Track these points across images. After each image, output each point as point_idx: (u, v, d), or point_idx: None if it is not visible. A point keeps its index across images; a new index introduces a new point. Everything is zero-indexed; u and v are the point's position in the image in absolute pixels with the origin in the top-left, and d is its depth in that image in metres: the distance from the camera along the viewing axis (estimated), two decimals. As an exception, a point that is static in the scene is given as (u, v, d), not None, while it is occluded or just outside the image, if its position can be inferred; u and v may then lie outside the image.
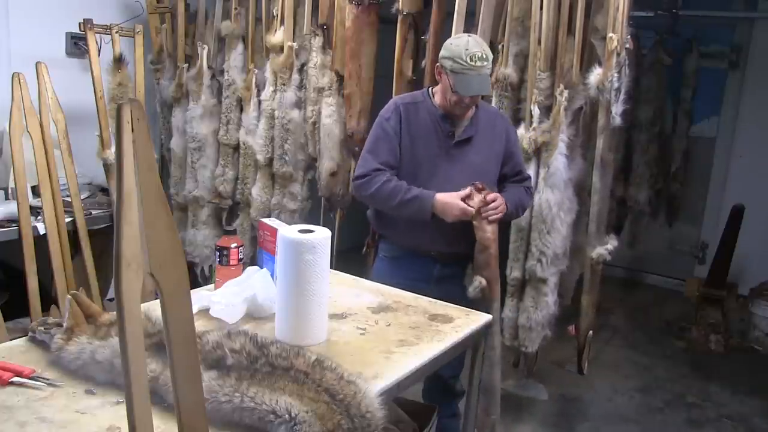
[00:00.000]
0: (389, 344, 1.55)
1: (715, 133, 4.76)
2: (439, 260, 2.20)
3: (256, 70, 3.40)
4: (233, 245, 1.80)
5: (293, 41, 3.22)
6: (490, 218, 2.06)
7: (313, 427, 1.06)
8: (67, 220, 2.81)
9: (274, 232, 1.74)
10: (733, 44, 4.60)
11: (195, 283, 2.78)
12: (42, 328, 1.38)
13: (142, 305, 0.82)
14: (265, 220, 1.85)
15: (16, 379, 1.24)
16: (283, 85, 3.24)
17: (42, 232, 2.71)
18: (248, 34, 3.42)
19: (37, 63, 2.69)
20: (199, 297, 1.66)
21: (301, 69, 3.26)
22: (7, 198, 2.96)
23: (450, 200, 2.03)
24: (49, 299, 2.77)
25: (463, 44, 2.03)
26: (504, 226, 2.32)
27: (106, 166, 3.11)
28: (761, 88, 4.42)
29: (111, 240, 0.78)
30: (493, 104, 2.64)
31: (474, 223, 2.06)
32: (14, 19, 3.20)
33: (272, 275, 1.72)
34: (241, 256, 1.82)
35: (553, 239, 2.53)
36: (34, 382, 1.24)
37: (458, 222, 2.07)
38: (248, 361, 1.20)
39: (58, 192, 2.73)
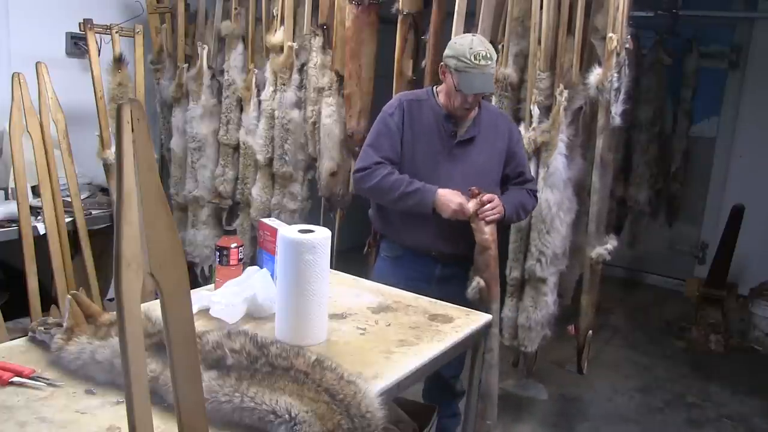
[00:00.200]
0: (389, 344, 1.55)
1: (715, 133, 4.76)
2: (440, 260, 2.20)
3: (256, 70, 3.40)
4: (233, 245, 1.80)
5: (293, 41, 3.22)
6: (487, 219, 2.06)
7: (313, 427, 1.06)
8: (67, 220, 2.81)
9: (274, 232, 1.74)
10: (733, 44, 4.60)
11: (195, 283, 2.78)
12: (42, 328, 1.38)
13: (142, 305, 0.82)
14: (265, 220, 1.85)
15: (16, 379, 1.24)
16: (283, 85, 3.24)
17: (42, 232, 2.71)
18: (248, 34, 3.42)
19: (37, 63, 2.69)
20: (199, 297, 1.66)
21: (301, 69, 3.25)
22: (7, 198, 2.96)
23: (450, 195, 2.03)
24: (49, 299, 2.77)
25: (467, 43, 2.04)
26: (503, 227, 2.32)
27: (106, 166, 3.11)
28: (761, 88, 4.42)
29: (111, 240, 0.78)
30: (493, 104, 2.64)
31: (472, 225, 2.07)
32: (14, 19, 3.20)
33: (272, 275, 1.72)
34: (241, 256, 1.82)
35: (552, 239, 2.53)
36: (34, 382, 1.24)
37: (459, 222, 2.06)
38: (248, 361, 1.20)
39: (58, 192, 2.73)
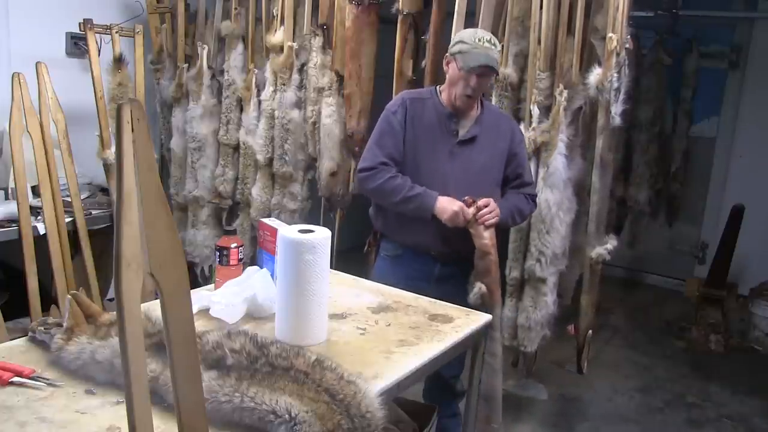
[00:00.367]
0: (389, 344, 1.55)
1: (715, 133, 4.76)
2: (439, 260, 2.20)
3: (256, 70, 3.40)
4: (233, 245, 1.80)
5: (293, 41, 3.22)
6: (486, 223, 2.05)
7: (313, 427, 1.06)
8: (67, 220, 2.81)
9: (274, 232, 1.74)
10: (733, 44, 4.61)
11: (195, 283, 2.78)
12: (42, 328, 1.38)
13: (142, 305, 0.82)
14: (265, 220, 1.85)
15: (16, 379, 1.24)
16: (283, 85, 3.24)
17: (42, 232, 2.71)
18: (248, 34, 3.42)
19: (37, 63, 2.69)
20: (199, 297, 1.66)
21: (301, 69, 3.25)
22: (7, 198, 2.96)
23: (449, 202, 2.04)
24: (49, 299, 2.77)
25: (472, 31, 2.14)
26: (502, 229, 2.31)
27: (106, 166, 3.11)
28: (761, 88, 4.43)
29: (111, 240, 0.78)
30: (493, 104, 2.64)
31: (471, 231, 2.06)
32: (14, 19, 3.20)
33: (272, 275, 1.72)
34: (241, 256, 1.82)
35: (552, 239, 2.53)
36: (34, 382, 1.24)
37: None
38: (248, 361, 1.20)
39: (58, 192, 2.73)
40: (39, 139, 2.66)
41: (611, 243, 2.57)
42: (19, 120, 2.56)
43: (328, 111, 3.15)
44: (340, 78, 3.13)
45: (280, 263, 1.51)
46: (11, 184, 2.84)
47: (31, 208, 2.69)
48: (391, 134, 2.15)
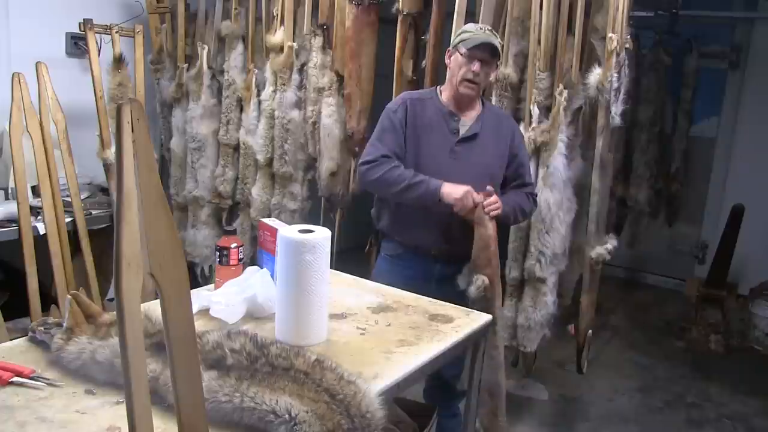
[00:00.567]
0: (389, 344, 1.55)
1: (715, 133, 4.76)
2: (439, 259, 2.20)
3: (256, 70, 3.40)
4: (233, 245, 1.79)
5: (293, 41, 3.22)
6: (491, 213, 2.05)
7: (313, 427, 1.06)
8: (67, 220, 2.81)
9: (274, 232, 1.74)
10: (733, 44, 4.61)
11: (195, 283, 2.77)
12: (42, 328, 1.38)
13: (142, 305, 0.82)
14: (265, 220, 1.85)
15: (16, 379, 1.24)
16: (283, 85, 3.24)
17: (42, 232, 2.71)
18: (248, 34, 3.42)
19: (37, 63, 2.69)
20: (199, 297, 1.66)
21: (301, 69, 3.25)
22: (7, 198, 2.96)
23: (457, 186, 2.04)
24: (49, 299, 2.77)
25: (473, 24, 2.20)
26: (503, 226, 2.31)
27: (106, 166, 3.11)
28: (761, 88, 4.43)
29: (111, 240, 0.78)
30: (493, 104, 2.64)
31: (475, 219, 2.05)
32: (14, 19, 3.21)
33: (272, 275, 1.72)
34: (241, 256, 1.82)
35: (552, 239, 2.52)
36: (34, 382, 1.24)
37: (460, 220, 2.07)
38: (248, 361, 1.20)
39: (58, 192, 2.74)
40: (39, 139, 2.66)
41: (611, 243, 2.57)
42: (19, 120, 2.56)
43: (328, 111, 3.15)
44: (340, 78, 3.13)
45: (280, 263, 1.50)
46: (11, 184, 2.84)
47: (31, 208, 2.69)
48: (392, 131, 2.15)
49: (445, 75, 2.24)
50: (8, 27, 3.19)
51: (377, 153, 2.12)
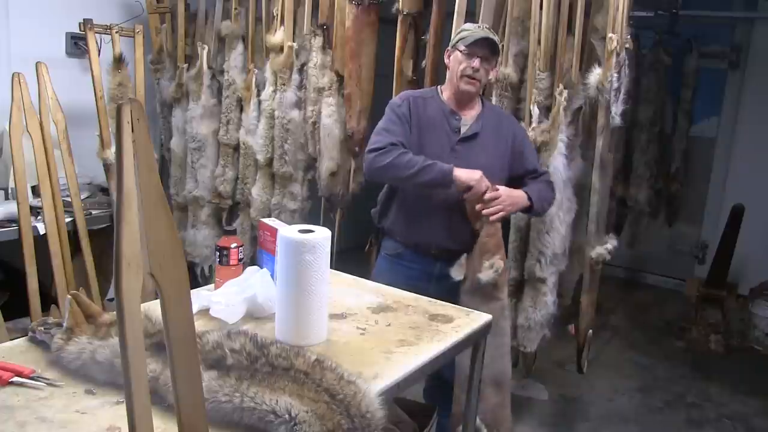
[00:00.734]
0: (389, 344, 1.55)
1: (715, 133, 4.76)
2: (440, 259, 2.20)
3: (256, 70, 3.40)
4: (233, 245, 1.79)
5: (293, 41, 3.22)
6: (494, 210, 2.06)
7: (313, 427, 1.06)
8: (67, 220, 2.81)
9: (274, 232, 1.74)
10: (733, 44, 4.61)
11: (195, 283, 2.77)
12: (42, 328, 1.38)
13: (142, 305, 0.82)
14: (265, 220, 1.85)
15: (16, 379, 1.24)
16: (283, 85, 3.24)
17: (42, 232, 2.71)
18: (248, 34, 3.42)
19: (37, 63, 2.69)
20: (199, 297, 1.66)
21: (301, 69, 3.25)
22: (7, 198, 2.96)
23: (471, 170, 2.04)
24: (49, 299, 2.77)
25: (471, 23, 2.25)
26: (504, 223, 2.31)
27: (106, 166, 3.11)
28: (761, 88, 4.43)
29: (111, 240, 0.78)
30: (493, 104, 2.64)
31: (484, 199, 2.05)
32: (14, 19, 3.21)
33: (272, 275, 1.72)
34: (241, 256, 1.82)
35: (552, 239, 2.52)
36: (34, 382, 1.24)
37: (461, 218, 2.08)
38: (248, 361, 1.20)
39: (58, 192, 2.74)
40: (39, 139, 2.66)
41: (611, 243, 2.57)
42: (19, 120, 2.56)
43: (328, 111, 3.15)
44: (340, 78, 3.13)
45: (280, 263, 1.50)
46: (11, 184, 2.84)
47: (31, 208, 2.69)
48: (398, 124, 2.14)
49: (445, 75, 2.24)
50: (8, 27, 3.19)
51: (386, 141, 2.08)
